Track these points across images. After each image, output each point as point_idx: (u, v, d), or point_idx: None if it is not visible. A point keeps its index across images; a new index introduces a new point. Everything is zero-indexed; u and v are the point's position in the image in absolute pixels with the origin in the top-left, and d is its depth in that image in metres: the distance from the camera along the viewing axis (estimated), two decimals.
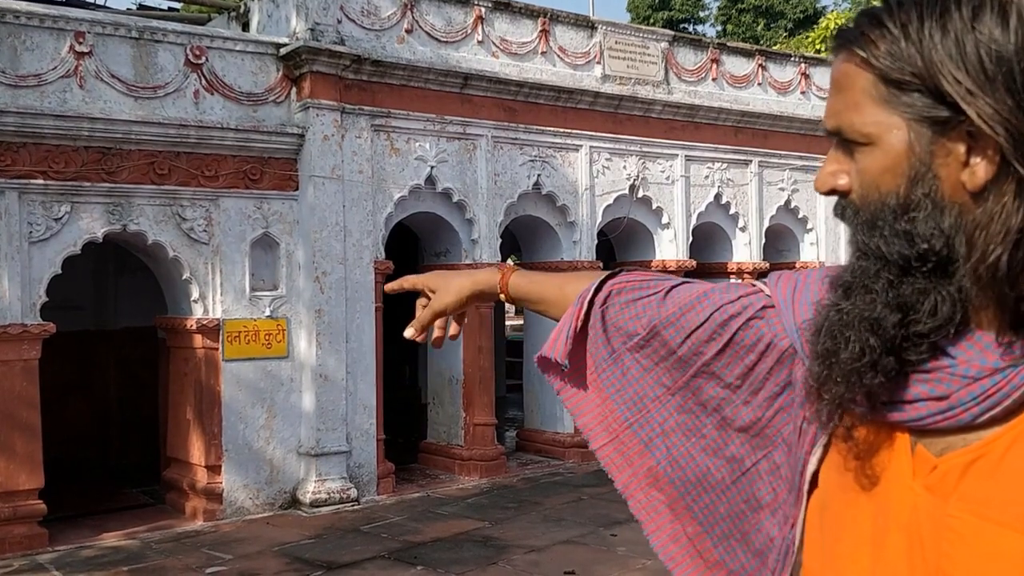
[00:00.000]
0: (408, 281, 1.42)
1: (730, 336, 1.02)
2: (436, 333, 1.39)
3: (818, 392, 0.81)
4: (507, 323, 16.25)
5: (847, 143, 0.80)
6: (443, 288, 1.35)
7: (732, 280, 10.06)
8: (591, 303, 1.15)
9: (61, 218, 6.08)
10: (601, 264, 9.00)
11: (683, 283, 1.12)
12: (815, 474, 0.89)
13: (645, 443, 1.11)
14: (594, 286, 1.16)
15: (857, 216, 0.80)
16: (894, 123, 0.76)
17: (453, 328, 1.42)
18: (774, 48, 15.62)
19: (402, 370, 11.94)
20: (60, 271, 6.10)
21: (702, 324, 1.04)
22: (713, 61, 9.71)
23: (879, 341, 0.76)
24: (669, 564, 1.10)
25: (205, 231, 6.61)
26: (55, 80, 6.07)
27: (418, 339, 1.40)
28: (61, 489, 6.83)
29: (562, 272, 1.46)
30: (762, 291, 1.02)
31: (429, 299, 1.37)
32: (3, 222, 5.85)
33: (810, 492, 0.89)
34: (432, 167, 7.67)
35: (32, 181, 5.95)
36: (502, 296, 1.33)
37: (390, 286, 1.47)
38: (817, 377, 0.81)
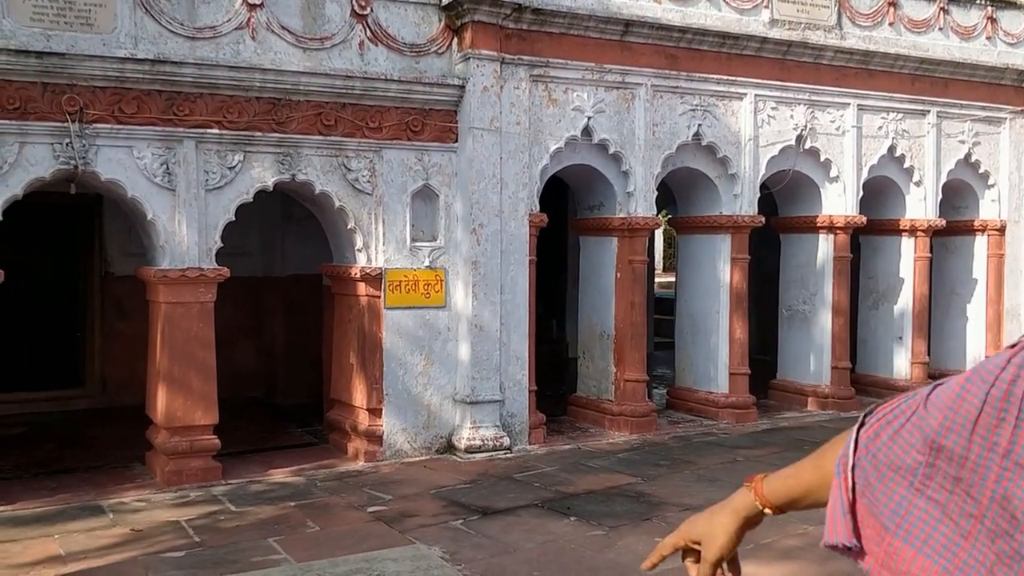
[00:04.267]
0: (667, 547, 1.38)
1: (1019, 406, 0.87)
2: None
3: None
4: (656, 280, 15.97)
5: None
6: (708, 535, 1.30)
7: (907, 246, 9.50)
8: (854, 465, 1.04)
9: (235, 167, 6.32)
10: (763, 219, 8.67)
11: (935, 386, 0.97)
12: None
13: None
14: (851, 445, 1.04)
15: None
16: None
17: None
18: None
19: (549, 324, 11.94)
20: (234, 218, 6.35)
21: (982, 409, 0.89)
22: (890, 4, 9.08)
23: None
24: None
25: (369, 182, 6.74)
26: (229, 32, 6.28)
27: None
28: (233, 426, 7.21)
29: (807, 459, 1.30)
30: None
31: (690, 549, 1.34)
32: (182, 170, 6.13)
33: None
34: (589, 118, 7.54)
35: (208, 131, 6.21)
36: (768, 511, 1.25)
37: (648, 562, 1.41)
38: None
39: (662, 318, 13.87)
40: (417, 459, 6.89)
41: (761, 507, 1.24)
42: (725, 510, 1.29)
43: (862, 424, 1.06)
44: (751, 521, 1.27)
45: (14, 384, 8.88)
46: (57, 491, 5.99)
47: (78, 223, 9.30)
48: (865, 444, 1.04)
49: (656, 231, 10.46)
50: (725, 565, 1.32)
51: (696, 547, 1.31)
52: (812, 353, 9.30)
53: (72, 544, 4.93)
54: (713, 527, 1.28)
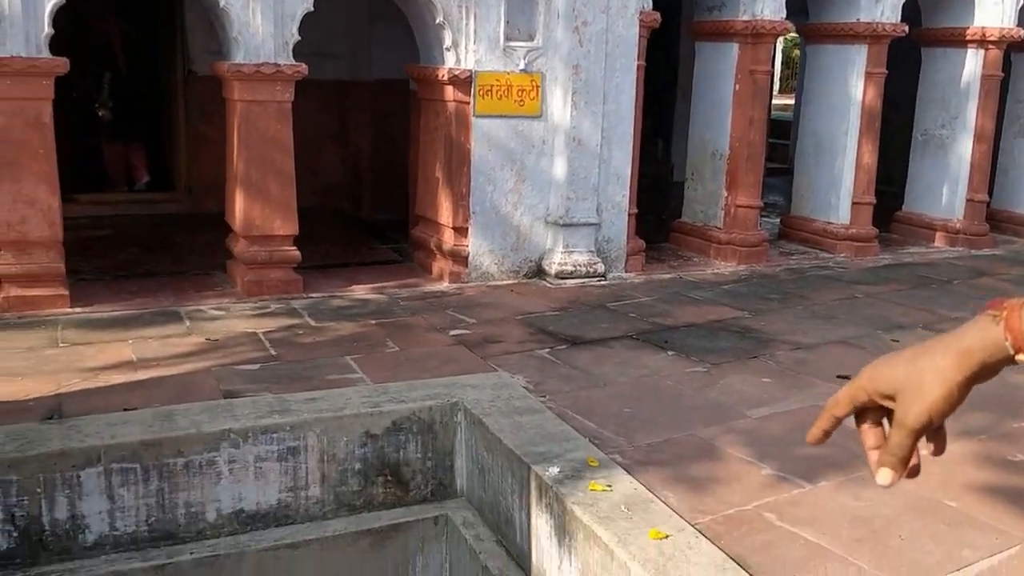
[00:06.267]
0: (842, 405, 1.00)
1: None
2: (913, 462, 0.93)
3: None
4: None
5: None
6: (911, 387, 0.87)
7: None
8: None
9: None
10: (906, 28, 7.59)
11: None
12: None
13: None
14: None
15: None
16: None
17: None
18: None
19: (654, 143, 11.18)
20: (312, 8, 5.75)
21: None
22: None
23: None
24: None
25: None
26: None
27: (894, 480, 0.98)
28: (316, 238, 6.90)
29: None
30: None
31: (873, 408, 0.95)
32: None
33: None
34: None
35: None
36: (1021, 357, 0.82)
37: (815, 431, 1.05)
38: None
39: (775, 142, 12.91)
40: (504, 283, 6.47)
41: (1013, 349, 0.74)
42: (947, 351, 0.84)
43: None
44: (988, 369, 0.83)
45: (102, 186, 8.77)
46: (136, 295, 5.82)
47: (159, 18, 8.86)
48: None
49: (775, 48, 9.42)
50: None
51: (887, 404, 0.91)
52: (946, 183, 8.39)
53: (146, 350, 4.74)
54: (921, 376, 0.84)
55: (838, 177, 7.83)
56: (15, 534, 3.39)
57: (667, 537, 2.94)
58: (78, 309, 5.42)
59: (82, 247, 6.84)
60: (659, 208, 9.10)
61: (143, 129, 8.93)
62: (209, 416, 3.73)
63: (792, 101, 16.87)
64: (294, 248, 5.97)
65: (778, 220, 8.69)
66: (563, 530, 3.16)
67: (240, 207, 5.84)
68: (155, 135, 9.12)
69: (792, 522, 3.17)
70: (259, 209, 5.84)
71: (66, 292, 5.44)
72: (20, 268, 5.31)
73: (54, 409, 3.84)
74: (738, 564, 2.84)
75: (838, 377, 4.66)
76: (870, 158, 7.73)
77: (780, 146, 14.05)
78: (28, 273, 5.33)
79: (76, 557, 3.48)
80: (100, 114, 8.62)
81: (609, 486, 3.26)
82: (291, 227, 5.92)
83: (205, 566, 3.57)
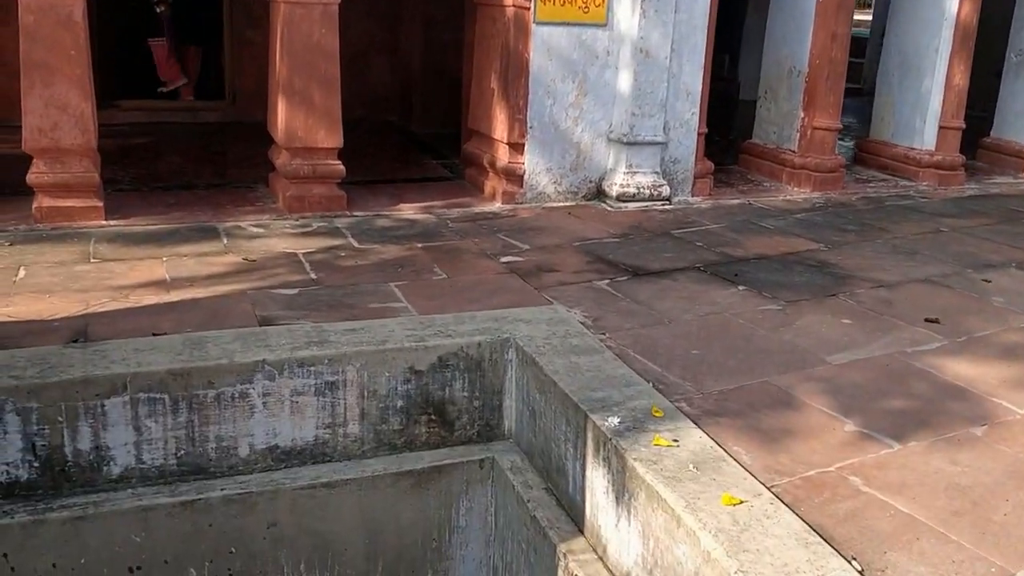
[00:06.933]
0: None
1: None
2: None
3: None
4: None
5: None
6: None
7: None
8: None
9: None
10: None
11: None
12: None
13: None
14: None
15: None
16: None
17: None
18: None
19: (721, 59, 10.55)
20: None
21: None
22: None
23: None
24: None
25: None
26: None
27: None
28: (363, 152, 6.56)
29: None
30: None
31: None
32: None
33: None
34: None
35: None
36: None
37: None
38: None
39: (854, 60, 12.13)
40: (560, 204, 6.08)
41: None
42: None
43: None
44: None
45: (144, 92, 8.47)
46: (174, 208, 5.56)
47: None
48: None
49: None
50: None
51: None
52: None
53: (180, 269, 4.48)
54: None
55: (925, 98, 7.24)
56: (36, 464, 3.19)
57: (741, 503, 2.62)
58: (112, 222, 5.17)
59: (121, 155, 6.58)
60: (725, 128, 8.56)
61: (201, 32, 8.55)
62: (242, 345, 3.46)
63: (868, 17, 15.88)
64: (338, 162, 5.63)
65: (852, 144, 8.12)
66: (623, 488, 2.85)
67: (282, 117, 5.50)
68: (214, 40, 8.71)
69: (880, 488, 2.82)
70: (302, 120, 5.49)
71: (100, 204, 5.18)
72: (53, 177, 5.06)
73: (80, 332, 3.60)
74: (822, 538, 2.51)
75: (926, 321, 4.25)
76: (962, 79, 7.11)
77: (854, 64, 13.23)
78: (61, 182, 5.07)
79: (101, 489, 3.27)
80: (159, 10, 8.26)
81: (675, 441, 2.93)
82: (335, 139, 5.57)
83: (236, 504, 3.35)
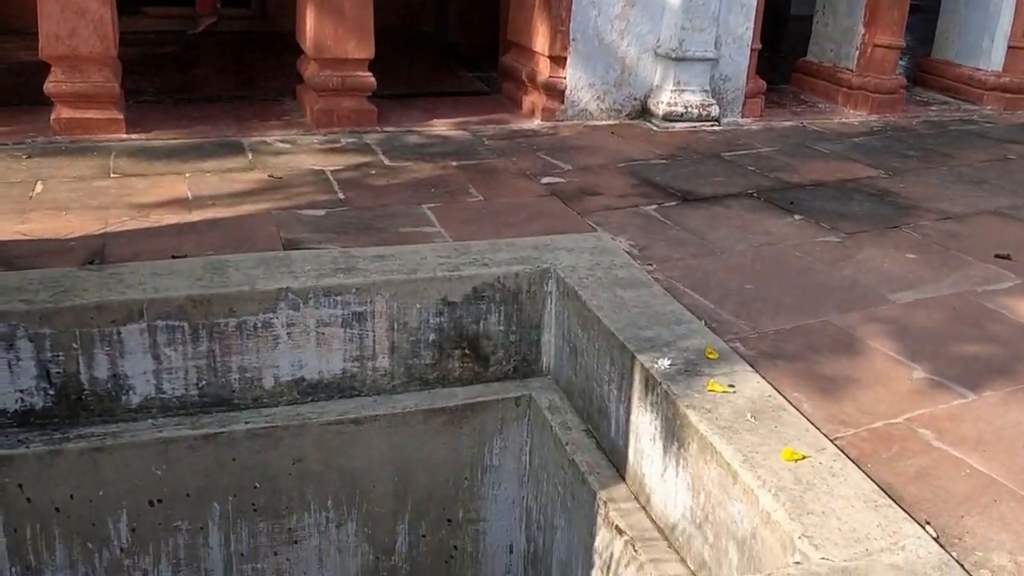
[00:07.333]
0: None
1: None
2: None
3: None
4: None
5: None
6: None
7: None
8: None
9: None
10: None
11: None
12: None
13: None
14: None
15: None
16: None
17: None
18: None
19: None
20: None
21: None
22: None
23: None
24: None
25: None
26: None
27: None
28: (393, 65, 6.24)
29: None
30: None
31: None
32: None
33: None
34: None
35: None
36: None
37: None
38: None
39: None
40: (603, 123, 5.75)
41: None
42: None
43: None
44: None
45: None
46: (197, 121, 5.31)
47: None
48: None
49: None
50: None
51: None
52: None
53: (202, 186, 4.26)
54: None
55: (993, 16, 6.75)
56: (51, 392, 3.03)
57: (804, 458, 2.39)
58: (134, 135, 4.94)
59: (145, 65, 6.31)
60: (776, 44, 8.10)
61: None
62: (265, 271, 3.25)
63: None
64: (369, 74, 5.33)
65: (906, 64, 7.65)
66: (672, 436, 2.64)
67: (311, 25, 5.19)
68: None
69: (953, 443, 2.58)
70: (331, 28, 5.17)
71: (121, 116, 4.95)
72: (71, 87, 4.81)
73: (96, 252, 3.41)
74: (891, 499, 2.29)
75: (996, 256, 3.95)
76: None
77: None
78: (80, 92, 4.83)
79: (119, 419, 3.12)
80: None
81: (731, 386, 2.70)
82: (366, 50, 5.26)
83: (261, 438, 3.19)
